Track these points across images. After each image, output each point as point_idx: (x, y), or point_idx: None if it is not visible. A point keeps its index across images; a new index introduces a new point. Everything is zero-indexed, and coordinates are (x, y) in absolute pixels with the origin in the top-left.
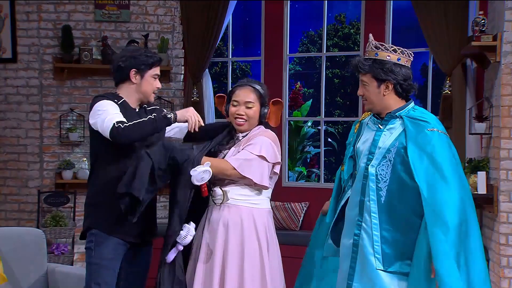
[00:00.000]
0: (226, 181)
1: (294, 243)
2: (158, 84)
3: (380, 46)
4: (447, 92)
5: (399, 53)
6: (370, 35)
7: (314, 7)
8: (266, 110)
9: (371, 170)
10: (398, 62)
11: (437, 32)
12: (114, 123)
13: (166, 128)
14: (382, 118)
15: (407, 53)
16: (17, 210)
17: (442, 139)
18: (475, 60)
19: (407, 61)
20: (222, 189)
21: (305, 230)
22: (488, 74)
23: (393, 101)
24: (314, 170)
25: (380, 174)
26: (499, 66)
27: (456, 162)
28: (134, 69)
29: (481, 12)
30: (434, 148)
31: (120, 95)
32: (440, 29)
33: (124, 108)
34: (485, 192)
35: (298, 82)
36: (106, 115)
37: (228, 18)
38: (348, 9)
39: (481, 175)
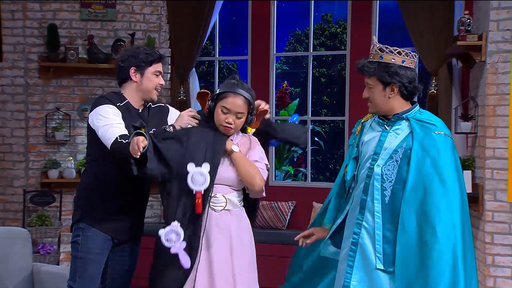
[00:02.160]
0: (227, 187)
1: (281, 242)
2: (160, 80)
3: (385, 49)
4: (433, 92)
5: (403, 56)
6: (374, 37)
7: (301, 6)
8: (251, 117)
9: (377, 169)
10: (403, 65)
11: (423, 32)
12: (117, 137)
13: None
14: (388, 119)
15: (412, 55)
16: (2, 209)
17: (447, 143)
18: (461, 59)
19: (411, 63)
20: (225, 196)
21: (292, 229)
22: (474, 74)
23: (397, 104)
24: (301, 169)
25: (386, 174)
26: (484, 66)
27: (457, 168)
28: (134, 67)
29: (466, 12)
30: (438, 152)
31: (124, 95)
32: (426, 28)
33: (128, 110)
34: (470, 191)
35: (285, 81)
36: (109, 125)
37: (215, 18)
38: (335, 8)
39: (467, 174)
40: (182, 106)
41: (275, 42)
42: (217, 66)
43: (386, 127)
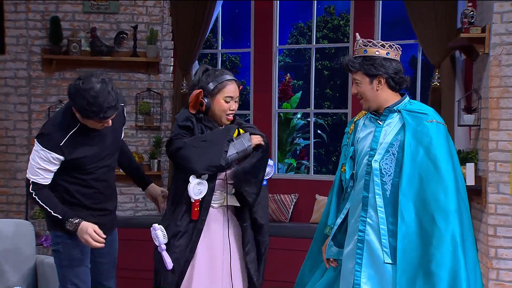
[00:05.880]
0: (228, 185)
1: (283, 235)
2: (107, 124)
3: (368, 43)
4: (436, 84)
5: (387, 48)
6: (357, 34)
7: None
8: None
9: (375, 165)
10: (387, 57)
11: (426, 24)
12: (31, 185)
13: None
14: (380, 114)
15: (395, 47)
16: (5, 202)
17: (440, 130)
18: (464, 52)
19: (396, 55)
20: (223, 194)
21: (294, 222)
22: (477, 66)
23: (388, 96)
24: (304, 162)
25: (384, 169)
26: (487, 58)
27: (451, 153)
28: (79, 115)
29: (470, 4)
30: (431, 140)
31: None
32: (429, 21)
33: (81, 134)
34: (473, 184)
35: (288, 74)
36: (33, 164)
37: (218, 10)
38: (338, 1)
39: (470, 166)
40: (184, 98)
41: (278, 34)
42: (220, 59)
43: (379, 122)
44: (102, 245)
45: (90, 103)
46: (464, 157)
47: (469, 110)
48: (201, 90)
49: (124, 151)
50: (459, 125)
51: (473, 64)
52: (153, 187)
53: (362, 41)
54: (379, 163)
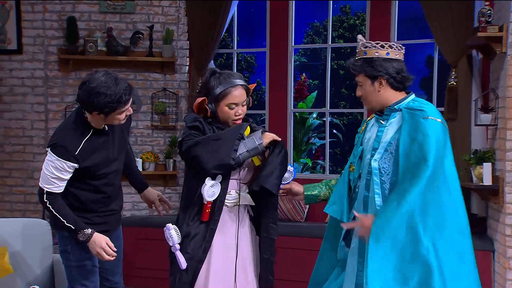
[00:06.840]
0: (240, 182)
1: (299, 235)
2: (127, 112)
3: (368, 44)
4: (453, 84)
5: (387, 48)
6: (359, 36)
7: None
8: (248, 98)
9: (374, 164)
10: (387, 57)
11: (442, 24)
12: (45, 194)
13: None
14: (383, 113)
15: (396, 47)
16: (22, 201)
17: (435, 127)
18: (481, 51)
19: (397, 55)
20: (238, 192)
21: (310, 221)
22: (494, 65)
23: (391, 96)
24: (319, 161)
25: (383, 168)
26: (505, 57)
27: (442, 151)
28: (96, 112)
29: (487, 3)
30: (423, 136)
31: (88, 120)
32: (446, 20)
33: (94, 138)
34: (490, 184)
35: (303, 74)
36: (47, 174)
37: (233, 10)
38: (353, 0)
39: (487, 166)
40: None
41: (293, 34)
42: (235, 59)
43: (382, 121)
44: (114, 258)
45: (108, 95)
46: (481, 157)
47: (486, 109)
48: (204, 98)
49: (128, 153)
50: (476, 125)
51: (490, 63)
52: (149, 191)
53: (363, 43)
54: (378, 162)
